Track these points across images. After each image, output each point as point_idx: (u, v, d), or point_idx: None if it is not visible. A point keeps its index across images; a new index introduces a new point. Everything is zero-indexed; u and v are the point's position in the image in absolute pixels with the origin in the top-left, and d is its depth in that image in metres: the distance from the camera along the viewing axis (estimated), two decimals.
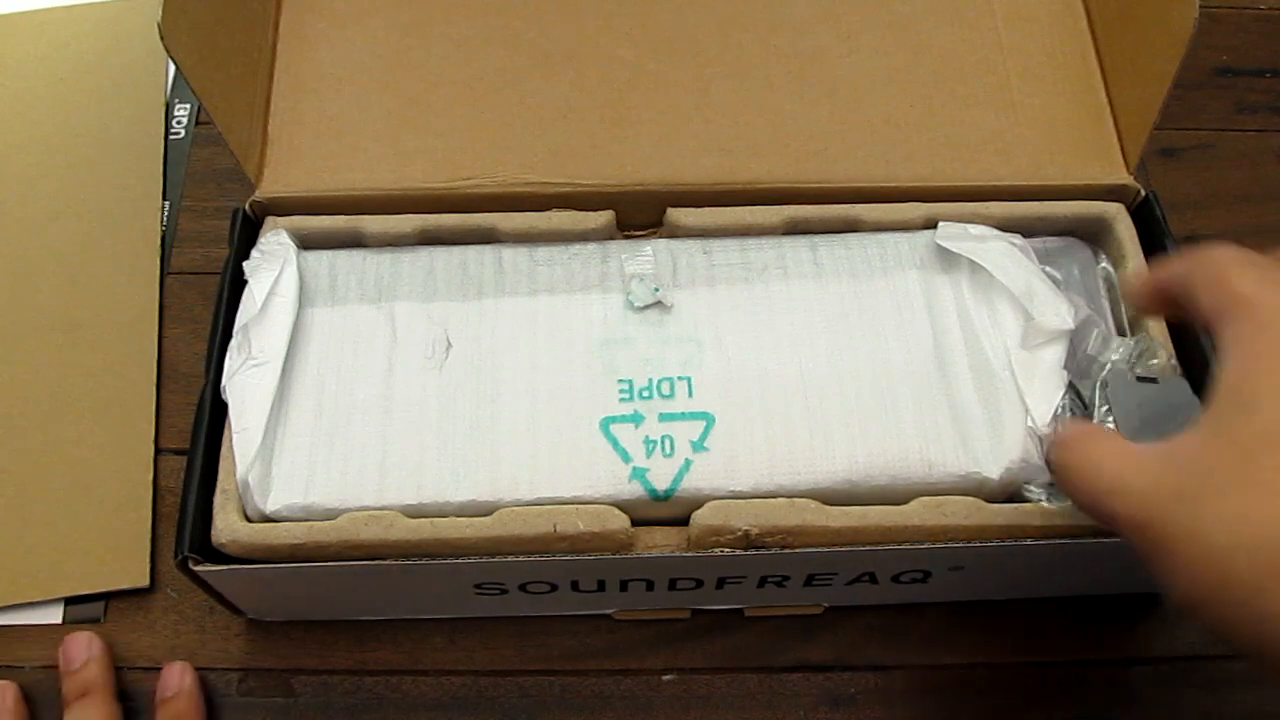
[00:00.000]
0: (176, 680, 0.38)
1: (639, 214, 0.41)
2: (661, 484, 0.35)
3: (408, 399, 0.37)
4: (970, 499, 0.35)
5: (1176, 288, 0.29)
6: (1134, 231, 0.40)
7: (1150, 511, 0.25)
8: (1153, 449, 0.26)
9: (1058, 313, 0.36)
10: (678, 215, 0.41)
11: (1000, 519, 0.34)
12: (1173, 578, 0.25)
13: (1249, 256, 0.27)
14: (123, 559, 0.41)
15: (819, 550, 0.34)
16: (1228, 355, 0.26)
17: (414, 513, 0.34)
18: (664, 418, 0.36)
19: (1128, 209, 0.41)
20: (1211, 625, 0.24)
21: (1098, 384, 0.35)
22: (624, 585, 0.37)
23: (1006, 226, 0.40)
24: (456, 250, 0.40)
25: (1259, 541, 0.23)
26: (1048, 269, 0.39)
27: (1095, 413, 0.35)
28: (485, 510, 0.35)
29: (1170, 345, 0.37)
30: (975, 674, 0.40)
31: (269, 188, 0.41)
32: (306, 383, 0.37)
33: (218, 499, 0.35)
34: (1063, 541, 0.34)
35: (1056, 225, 0.41)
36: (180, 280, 0.48)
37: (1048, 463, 0.35)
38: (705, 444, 0.36)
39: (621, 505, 0.35)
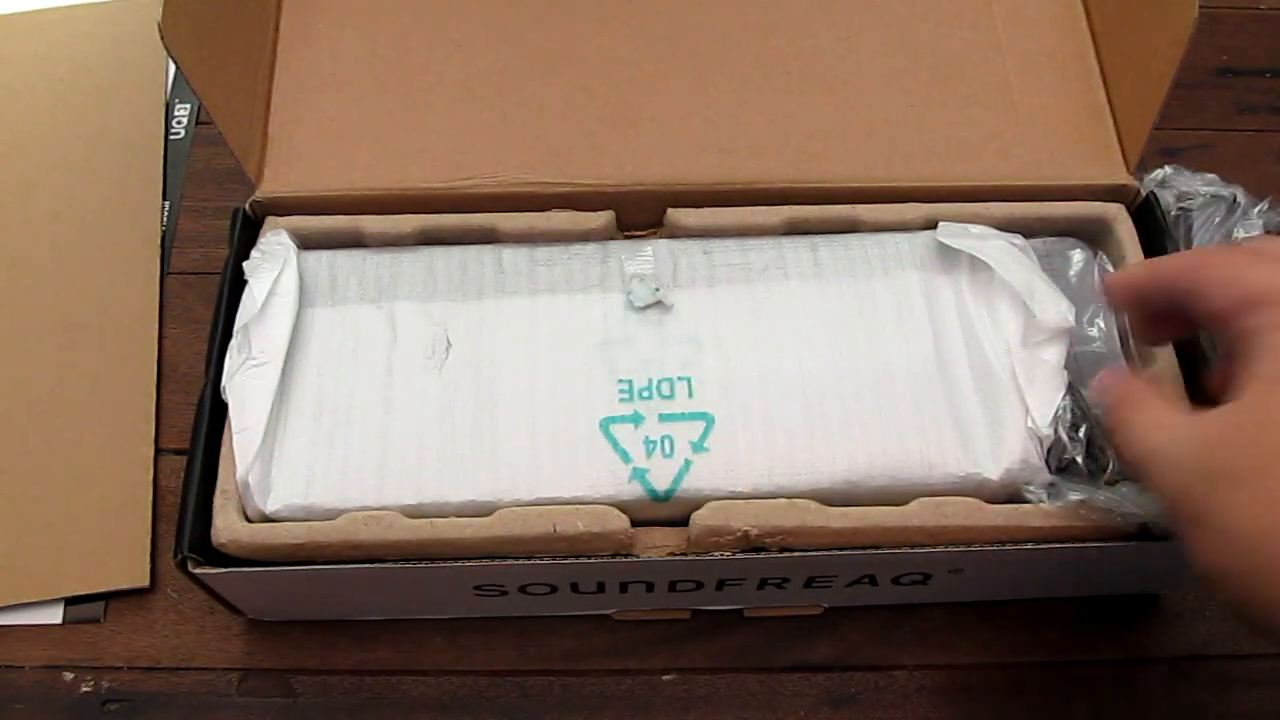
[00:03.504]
0: None
1: (639, 214, 0.41)
2: (661, 484, 0.35)
3: (408, 399, 0.37)
4: (970, 500, 0.35)
5: (1182, 285, 0.29)
6: (1134, 232, 0.40)
7: (1184, 487, 0.27)
8: (1191, 423, 0.27)
9: (1058, 311, 0.36)
10: (678, 215, 0.41)
11: (1000, 519, 0.34)
12: (1198, 554, 0.26)
13: (1248, 252, 0.28)
14: (123, 559, 0.41)
15: (819, 554, 0.34)
16: (1260, 344, 0.26)
17: (414, 513, 0.34)
18: (664, 418, 0.36)
19: (1128, 209, 0.41)
20: (1229, 601, 0.26)
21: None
22: (624, 586, 0.37)
23: (1006, 227, 0.40)
24: (456, 250, 0.40)
25: None
26: (1047, 269, 0.39)
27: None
28: (485, 510, 0.35)
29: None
30: (975, 674, 0.40)
31: (269, 188, 0.41)
32: (306, 383, 0.37)
33: (218, 499, 0.35)
34: (1062, 544, 0.34)
35: (1056, 225, 0.41)
36: (180, 280, 0.48)
37: (1100, 411, 0.34)
38: (705, 444, 0.36)
39: (621, 506, 0.35)
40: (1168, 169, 0.44)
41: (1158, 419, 0.29)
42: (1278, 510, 0.24)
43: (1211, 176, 0.37)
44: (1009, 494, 0.36)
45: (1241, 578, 0.25)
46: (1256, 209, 0.35)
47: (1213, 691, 0.40)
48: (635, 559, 0.35)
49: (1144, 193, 0.41)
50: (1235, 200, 0.36)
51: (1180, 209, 0.42)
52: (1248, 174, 0.51)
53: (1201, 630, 0.41)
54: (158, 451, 0.43)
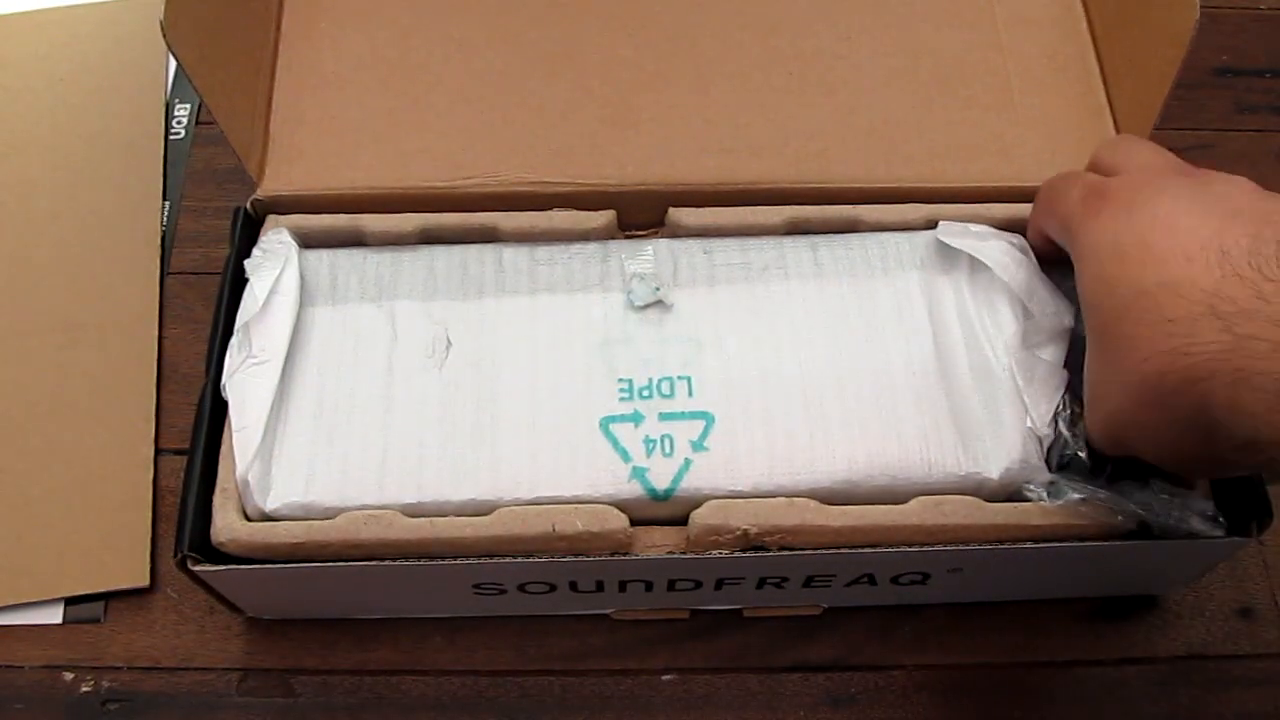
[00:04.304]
0: None
1: (640, 214, 0.42)
2: (661, 483, 0.35)
3: (408, 398, 0.37)
4: (970, 499, 0.35)
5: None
6: None
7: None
8: None
9: (1057, 311, 0.36)
10: (679, 215, 0.41)
11: (1000, 518, 0.34)
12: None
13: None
14: (123, 559, 0.41)
15: (818, 552, 0.34)
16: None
17: (414, 512, 0.34)
18: (664, 417, 0.36)
19: None
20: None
21: None
22: (623, 585, 0.37)
23: (1007, 227, 0.40)
24: (457, 250, 0.40)
25: None
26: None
27: None
28: (485, 510, 0.35)
29: None
30: (975, 674, 0.40)
31: (270, 186, 0.41)
32: (307, 381, 0.37)
33: (217, 498, 0.34)
34: (1062, 543, 0.34)
35: None
36: (180, 280, 0.48)
37: None
38: (705, 444, 0.36)
39: (621, 505, 0.35)
40: None
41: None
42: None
43: None
44: (1009, 493, 0.36)
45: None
46: None
47: (1213, 691, 0.40)
48: (634, 558, 0.35)
49: None
50: None
51: None
52: (1248, 174, 0.51)
53: (1201, 630, 0.41)
54: (158, 451, 0.43)
